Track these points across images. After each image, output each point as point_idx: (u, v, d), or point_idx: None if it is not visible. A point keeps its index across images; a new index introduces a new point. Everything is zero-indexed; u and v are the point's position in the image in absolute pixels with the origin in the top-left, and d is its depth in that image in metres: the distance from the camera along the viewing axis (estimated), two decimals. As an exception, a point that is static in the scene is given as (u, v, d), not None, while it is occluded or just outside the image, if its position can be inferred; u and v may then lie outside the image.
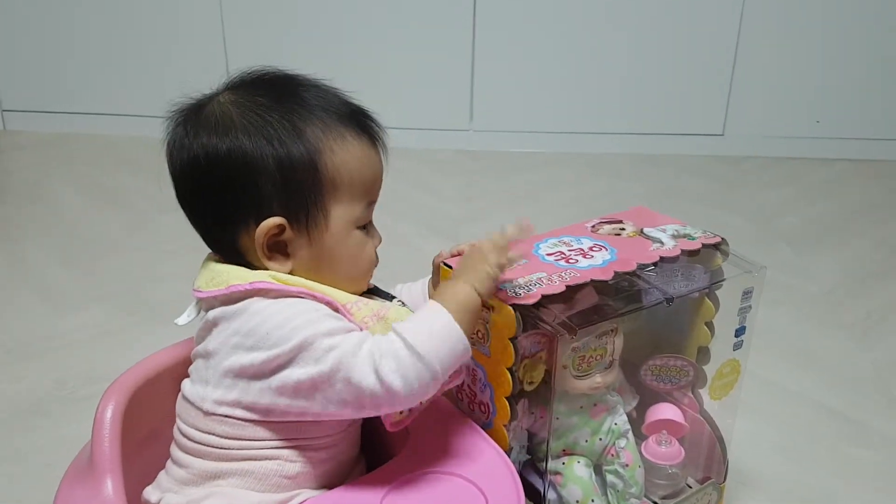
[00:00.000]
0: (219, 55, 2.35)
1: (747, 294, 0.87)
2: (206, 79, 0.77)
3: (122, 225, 1.89)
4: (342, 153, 0.71)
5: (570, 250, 0.84)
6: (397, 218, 1.85)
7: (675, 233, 0.89)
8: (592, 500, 0.86)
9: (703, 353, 0.94)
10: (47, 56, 2.41)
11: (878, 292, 1.62)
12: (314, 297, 0.70)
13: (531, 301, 0.75)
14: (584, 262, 0.81)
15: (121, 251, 1.76)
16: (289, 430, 0.70)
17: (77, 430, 1.04)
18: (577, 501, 0.86)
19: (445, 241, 1.78)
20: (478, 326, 0.78)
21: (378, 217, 0.78)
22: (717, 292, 0.91)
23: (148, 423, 0.79)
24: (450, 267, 0.81)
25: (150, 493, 0.73)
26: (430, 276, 0.88)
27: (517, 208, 2.01)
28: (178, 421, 0.74)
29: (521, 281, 0.78)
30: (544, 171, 2.26)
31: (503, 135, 2.41)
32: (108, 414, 0.74)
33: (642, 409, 0.94)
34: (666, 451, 0.91)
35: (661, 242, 0.86)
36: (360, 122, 0.74)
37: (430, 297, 0.86)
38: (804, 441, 1.18)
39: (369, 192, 0.75)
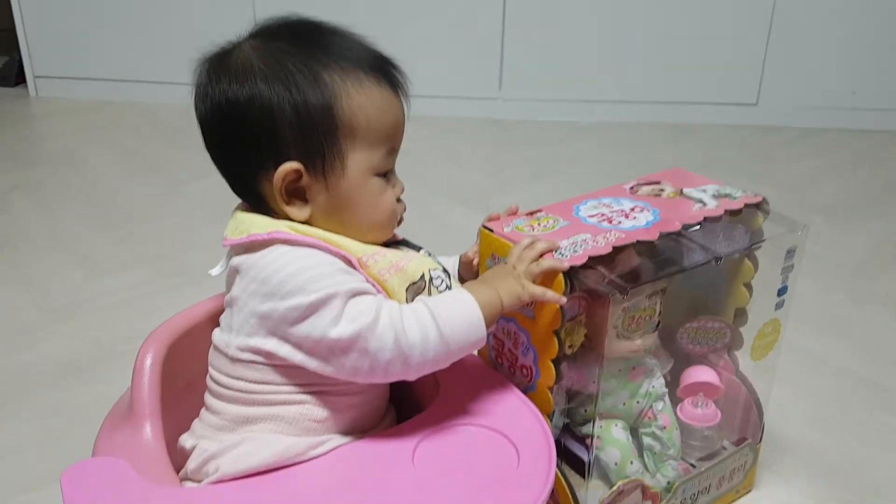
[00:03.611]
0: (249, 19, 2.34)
1: (790, 253, 0.86)
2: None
3: (157, 191, 1.90)
4: (359, 97, 0.71)
5: (611, 211, 0.83)
6: (423, 187, 1.84)
7: (716, 192, 0.88)
8: (631, 462, 0.87)
9: (741, 315, 0.93)
10: (79, 22, 2.43)
11: (913, 265, 1.60)
12: (328, 251, 0.71)
13: (579, 262, 0.74)
14: (627, 224, 0.81)
15: (156, 217, 1.77)
16: (313, 376, 0.71)
17: (114, 387, 1.05)
18: (616, 464, 0.86)
19: (472, 211, 1.77)
20: None
21: (403, 186, 0.78)
22: (755, 252, 0.90)
23: (184, 375, 0.80)
24: (490, 230, 0.81)
25: (185, 440, 0.75)
26: (459, 255, 0.89)
27: (546, 178, 2.00)
28: (210, 369, 0.75)
29: (565, 242, 0.77)
30: (574, 141, 2.24)
31: (532, 103, 2.39)
32: (148, 361, 0.75)
33: (675, 371, 0.94)
34: (703, 413, 0.91)
35: (703, 203, 0.85)
36: (381, 68, 0.73)
37: (460, 272, 0.86)
38: (836, 408, 1.17)
39: (389, 138, 0.74)
